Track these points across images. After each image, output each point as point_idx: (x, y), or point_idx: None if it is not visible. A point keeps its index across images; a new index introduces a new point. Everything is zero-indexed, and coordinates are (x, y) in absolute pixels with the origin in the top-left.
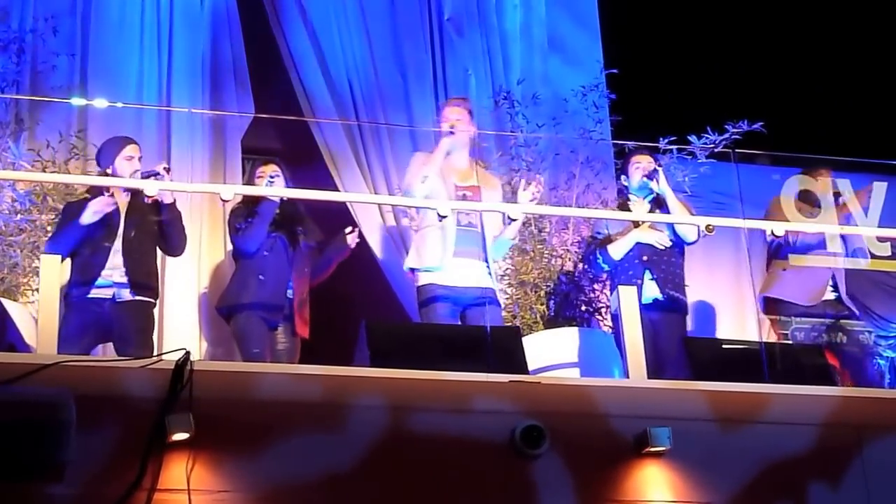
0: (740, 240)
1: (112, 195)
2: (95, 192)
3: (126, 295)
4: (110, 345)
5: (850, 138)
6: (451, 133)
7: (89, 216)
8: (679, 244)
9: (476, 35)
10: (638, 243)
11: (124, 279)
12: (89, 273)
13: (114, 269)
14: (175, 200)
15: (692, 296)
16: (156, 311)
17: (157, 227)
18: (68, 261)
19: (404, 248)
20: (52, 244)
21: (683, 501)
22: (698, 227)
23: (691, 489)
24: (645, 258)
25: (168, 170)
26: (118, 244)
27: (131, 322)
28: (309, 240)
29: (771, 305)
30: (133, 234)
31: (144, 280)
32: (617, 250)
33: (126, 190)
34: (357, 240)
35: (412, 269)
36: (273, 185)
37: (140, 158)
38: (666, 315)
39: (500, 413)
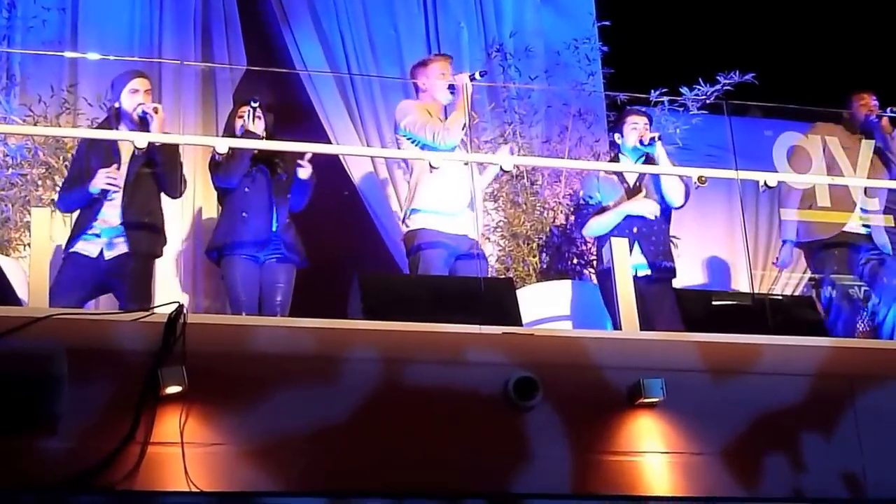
0: (733, 192)
1: (118, 167)
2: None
3: (123, 247)
4: (104, 298)
5: (844, 90)
6: (473, 78)
7: (100, 185)
8: (666, 210)
9: None
10: (628, 215)
11: (122, 228)
12: (86, 222)
13: (110, 219)
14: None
15: (685, 250)
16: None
17: (154, 170)
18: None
19: (397, 199)
20: (62, 203)
21: (676, 452)
22: (687, 189)
23: (684, 440)
24: (635, 230)
25: (157, 110)
26: (118, 195)
27: (132, 275)
28: (288, 168)
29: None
30: (134, 180)
31: (147, 228)
32: (605, 223)
33: (132, 129)
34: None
35: (406, 214)
36: (254, 115)
37: (148, 92)
38: (654, 285)
39: (493, 365)
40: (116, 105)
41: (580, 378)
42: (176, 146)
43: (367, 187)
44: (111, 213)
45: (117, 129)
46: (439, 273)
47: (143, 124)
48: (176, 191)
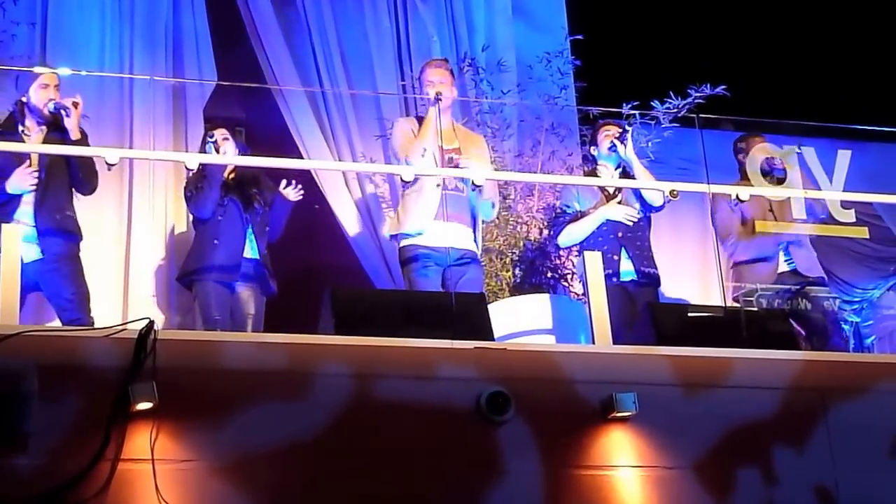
0: (705, 205)
1: (33, 168)
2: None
3: (43, 246)
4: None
5: (816, 103)
6: (439, 99)
7: (23, 186)
8: (646, 213)
9: (440, 1)
10: (609, 220)
11: (39, 227)
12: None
13: (27, 220)
14: (83, 137)
15: (659, 263)
16: (119, 279)
17: (66, 166)
18: None
19: (369, 215)
20: None
21: (649, 466)
22: (663, 191)
23: (657, 454)
24: (620, 234)
25: (77, 104)
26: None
27: (65, 277)
28: (263, 199)
29: (739, 270)
30: (47, 177)
31: (64, 224)
32: (582, 229)
33: (41, 124)
34: (300, 195)
35: (393, 236)
36: (222, 145)
37: (57, 87)
38: (642, 289)
39: (465, 380)
40: (24, 99)
41: (553, 392)
42: (86, 138)
43: (338, 202)
44: (26, 214)
45: (23, 124)
46: (430, 286)
47: (54, 120)
48: (88, 186)
